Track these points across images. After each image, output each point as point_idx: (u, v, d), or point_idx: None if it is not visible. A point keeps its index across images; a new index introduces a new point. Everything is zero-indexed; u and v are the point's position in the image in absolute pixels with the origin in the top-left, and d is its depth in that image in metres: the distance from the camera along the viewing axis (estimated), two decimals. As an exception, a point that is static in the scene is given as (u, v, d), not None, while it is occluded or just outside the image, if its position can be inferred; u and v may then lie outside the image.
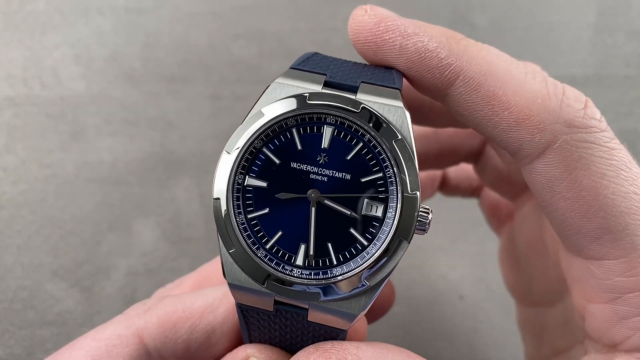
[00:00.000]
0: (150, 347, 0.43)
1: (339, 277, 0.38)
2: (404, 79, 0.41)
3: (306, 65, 0.41)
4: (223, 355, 0.45)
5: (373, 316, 0.54)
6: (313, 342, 0.41)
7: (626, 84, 0.83)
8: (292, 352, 0.43)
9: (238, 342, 0.45)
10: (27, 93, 0.74)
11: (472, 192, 0.63)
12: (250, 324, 0.42)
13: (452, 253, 0.75)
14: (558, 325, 0.49)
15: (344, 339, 0.40)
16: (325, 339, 0.41)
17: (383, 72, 0.41)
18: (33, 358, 0.65)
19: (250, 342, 0.44)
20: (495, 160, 0.54)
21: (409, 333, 0.71)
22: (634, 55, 0.84)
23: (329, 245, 0.39)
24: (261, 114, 0.39)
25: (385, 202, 0.38)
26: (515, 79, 0.38)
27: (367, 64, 0.43)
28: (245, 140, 0.39)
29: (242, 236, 0.39)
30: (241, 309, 0.41)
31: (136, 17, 0.79)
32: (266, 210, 0.39)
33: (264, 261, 0.39)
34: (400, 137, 0.38)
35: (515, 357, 0.69)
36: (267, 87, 0.40)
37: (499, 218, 0.61)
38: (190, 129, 0.77)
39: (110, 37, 0.78)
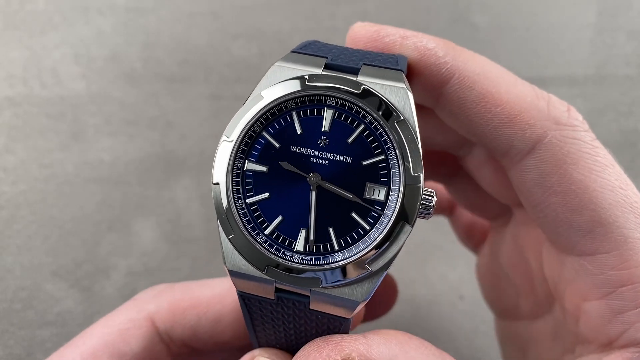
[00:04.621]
0: (161, 330, 0.45)
1: (341, 262, 0.37)
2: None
3: (307, 49, 0.41)
4: (227, 343, 0.46)
5: (375, 313, 0.54)
6: (317, 332, 0.41)
7: (626, 84, 0.83)
8: (297, 343, 0.42)
9: (243, 332, 0.46)
10: (27, 93, 0.74)
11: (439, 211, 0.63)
12: (253, 313, 0.42)
13: (452, 253, 0.75)
14: (546, 336, 0.49)
15: (347, 328, 0.40)
16: (328, 328, 0.40)
17: (386, 55, 0.40)
18: (33, 358, 0.65)
19: (255, 331, 0.44)
20: (471, 183, 0.54)
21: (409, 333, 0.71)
22: (634, 55, 0.84)
23: (330, 230, 0.38)
24: (260, 97, 0.38)
25: (387, 185, 0.38)
26: (506, 81, 0.40)
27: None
28: (245, 124, 0.38)
29: (242, 221, 0.38)
30: (243, 297, 0.40)
31: (136, 17, 0.79)
32: (266, 195, 0.39)
33: (264, 247, 0.38)
34: (402, 118, 0.37)
35: (515, 357, 0.69)
36: (267, 71, 0.40)
37: (474, 239, 0.61)
38: (190, 129, 0.77)
39: (110, 37, 0.78)
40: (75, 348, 0.44)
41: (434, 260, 0.75)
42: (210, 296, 0.46)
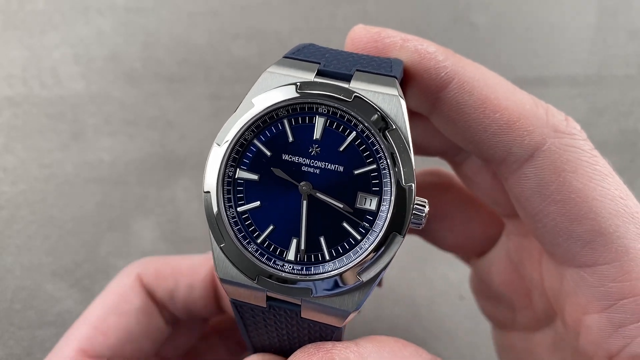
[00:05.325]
0: (148, 290, 0.51)
1: (332, 273, 0.37)
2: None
3: (300, 54, 0.40)
4: (199, 313, 0.52)
5: None
6: (309, 339, 0.41)
7: (626, 84, 0.83)
8: (290, 347, 0.42)
9: (214, 306, 0.52)
10: (26, 93, 0.74)
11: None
12: (246, 320, 0.42)
13: (452, 253, 0.75)
14: (545, 349, 0.48)
15: (340, 336, 0.40)
16: (320, 335, 0.40)
17: (381, 60, 0.40)
18: (32, 358, 0.65)
19: (249, 336, 0.44)
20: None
21: (409, 333, 0.71)
22: (634, 55, 0.84)
23: (321, 239, 0.38)
24: (251, 105, 0.38)
25: (379, 194, 0.37)
26: (505, 88, 0.40)
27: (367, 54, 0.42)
28: (236, 132, 0.38)
29: (233, 230, 0.38)
30: (235, 304, 0.40)
31: (136, 17, 0.79)
32: (257, 204, 0.39)
33: (254, 256, 0.38)
34: (394, 127, 0.37)
35: (515, 357, 0.69)
36: (258, 77, 0.39)
37: (462, 256, 0.59)
38: (190, 129, 0.77)
39: (110, 37, 0.78)
40: (84, 320, 0.49)
41: (434, 260, 0.75)
42: (187, 265, 0.51)
